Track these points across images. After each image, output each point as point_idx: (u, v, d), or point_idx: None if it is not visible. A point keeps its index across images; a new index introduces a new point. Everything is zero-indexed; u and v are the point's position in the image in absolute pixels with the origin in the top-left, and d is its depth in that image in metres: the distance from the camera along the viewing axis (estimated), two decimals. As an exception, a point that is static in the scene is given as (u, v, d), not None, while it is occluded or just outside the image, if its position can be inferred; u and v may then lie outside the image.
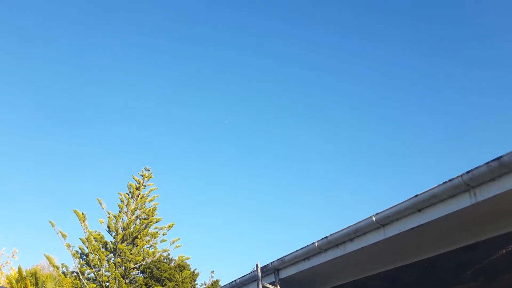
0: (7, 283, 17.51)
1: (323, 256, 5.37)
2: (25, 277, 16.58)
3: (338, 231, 4.99)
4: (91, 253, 22.76)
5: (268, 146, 45.14)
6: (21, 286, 16.05)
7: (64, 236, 22.70)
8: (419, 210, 4.27)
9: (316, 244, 5.33)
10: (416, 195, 4.19)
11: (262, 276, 6.12)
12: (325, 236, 5.20)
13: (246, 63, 44.23)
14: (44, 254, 25.50)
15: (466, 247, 4.48)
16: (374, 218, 4.52)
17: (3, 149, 42.99)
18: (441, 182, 4.00)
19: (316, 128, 44.03)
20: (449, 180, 3.95)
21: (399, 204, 4.34)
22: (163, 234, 24.75)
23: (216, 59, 44.40)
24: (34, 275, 16.85)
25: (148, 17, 42.44)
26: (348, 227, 4.85)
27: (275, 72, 44.48)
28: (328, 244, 5.17)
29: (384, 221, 4.50)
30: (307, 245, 5.52)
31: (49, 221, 22.65)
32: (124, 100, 43.02)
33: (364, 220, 4.64)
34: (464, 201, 3.94)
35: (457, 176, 3.88)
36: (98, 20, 41.84)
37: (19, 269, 17.20)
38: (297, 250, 5.70)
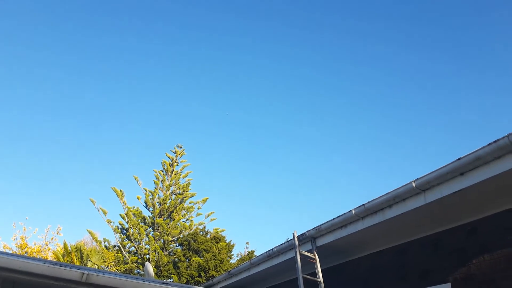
0: (54, 258, 18.38)
1: (360, 223, 5.30)
2: (70, 252, 17.34)
3: (376, 198, 4.88)
4: (130, 227, 23.54)
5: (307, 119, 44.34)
6: (67, 261, 16.83)
7: (104, 212, 23.53)
8: (462, 174, 4.09)
9: (353, 212, 5.25)
10: (459, 158, 4.00)
11: (299, 244, 6.12)
12: (362, 203, 5.12)
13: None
14: (87, 230, 26.55)
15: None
16: (414, 184, 4.39)
17: (44, 131, 44.49)
18: (486, 144, 3.80)
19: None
20: (494, 141, 3.74)
21: (441, 168, 4.17)
22: (198, 208, 25.35)
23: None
24: (78, 250, 17.60)
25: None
26: (386, 193, 4.73)
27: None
28: (366, 211, 5.08)
29: (424, 186, 4.35)
30: (344, 213, 5.46)
31: (90, 199, 23.48)
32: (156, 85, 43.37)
33: (403, 186, 4.51)
34: (510, 163, 3.74)
35: (503, 137, 3.67)
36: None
37: (65, 244, 17.98)
38: (333, 218, 5.64)
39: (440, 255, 4.81)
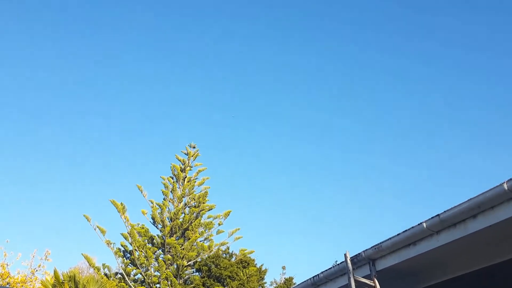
0: (43, 289, 18.85)
1: (434, 240, 5.22)
2: (62, 282, 17.75)
3: (455, 206, 4.79)
4: (135, 250, 23.88)
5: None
6: (59, 292, 17.22)
7: (102, 231, 23.95)
8: None
9: (424, 224, 5.17)
10: None
11: (353, 268, 6.08)
12: (436, 214, 5.03)
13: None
14: (82, 254, 27.11)
15: None
16: (505, 186, 4.27)
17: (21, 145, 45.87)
18: None
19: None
20: None
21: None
22: (219, 224, 25.31)
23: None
24: (73, 279, 17.99)
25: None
26: (469, 199, 4.63)
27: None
28: (442, 224, 4.99)
29: (520, 189, 4.24)
30: (412, 227, 5.38)
31: (84, 215, 23.98)
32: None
33: (491, 189, 4.40)
34: None
35: None
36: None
37: (55, 272, 18.42)
38: (398, 234, 5.58)
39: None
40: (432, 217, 5.08)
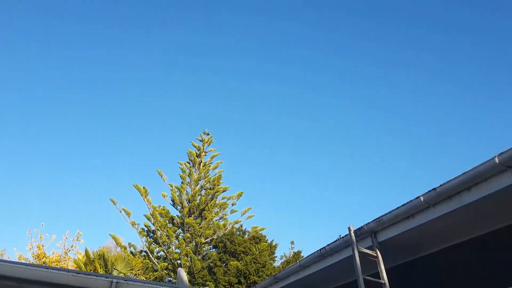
0: (76, 267, 19.06)
1: (431, 212, 5.17)
2: (93, 260, 17.92)
3: (450, 180, 4.73)
4: (158, 229, 24.04)
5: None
6: (90, 270, 17.41)
7: (128, 213, 24.11)
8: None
9: (421, 198, 5.12)
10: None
11: (357, 241, 6.05)
12: (433, 187, 4.97)
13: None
14: (109, 235, 27.34)
15: None
16: (497, 159, 4.20)
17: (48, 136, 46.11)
18: None
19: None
20: None
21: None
22: (232, 204, 25.49)
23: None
24: (102, 257, 18.15)
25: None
26: (463, 173, 4.57)
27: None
28: (438, 197, 4.93)
29: (510, 162, 4.16)
30: (410, 201, 5.34)
31: (110, 199, 24.12)
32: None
33: (484, 163, 4.33)
34: None
35: None
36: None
37: (86, 252, 18.60)
38: (397, 208, 5.54)
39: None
40: (428, 191, 5.02)
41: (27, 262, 21.63)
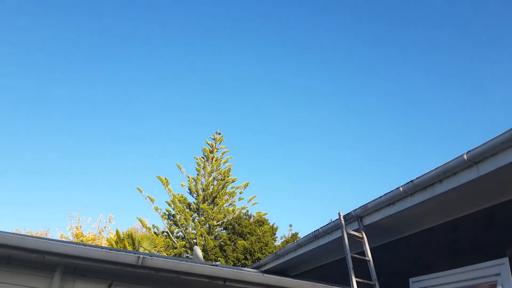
0: (108, 245, 19.17)
1: (409, 200, 5.14)
2: (123, 239, 18.03)
3: (425, 174, 4.71)
4: (177, 214, 24.14)
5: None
6: (120, 247, 17.51)
7: (152, 200, 24.21)
8: (518, 144, 3.85)
9: (401, 188, 5.09)
10: (514, 127, 3.77)
11: (345, 224, 6.04)
12: (410, 180, 4.95)
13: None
14: (136, 217, 27.48)
15: None
16: (465, 156, 4.18)
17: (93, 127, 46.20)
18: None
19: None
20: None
21: (494, 139, 3.95)
22: (240, 193, 25.63)
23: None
24: (130, 237, 18.27)
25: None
26: (436, 168, 4.54)
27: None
28: (415, 187, 4.91)
29: (477, 158, 4.14)
30: (391, 190, 5.31)
31: (137, 188, 24.23)
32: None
33: (454, 159, 4.31)
34: None
35: None
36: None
37: (117, 232, 18.69)
38: (380, 196, 5.51)
39: (494, 230, 4.60)
40: (407, 182, 5.00)
41: (68, 240, 21.77)
